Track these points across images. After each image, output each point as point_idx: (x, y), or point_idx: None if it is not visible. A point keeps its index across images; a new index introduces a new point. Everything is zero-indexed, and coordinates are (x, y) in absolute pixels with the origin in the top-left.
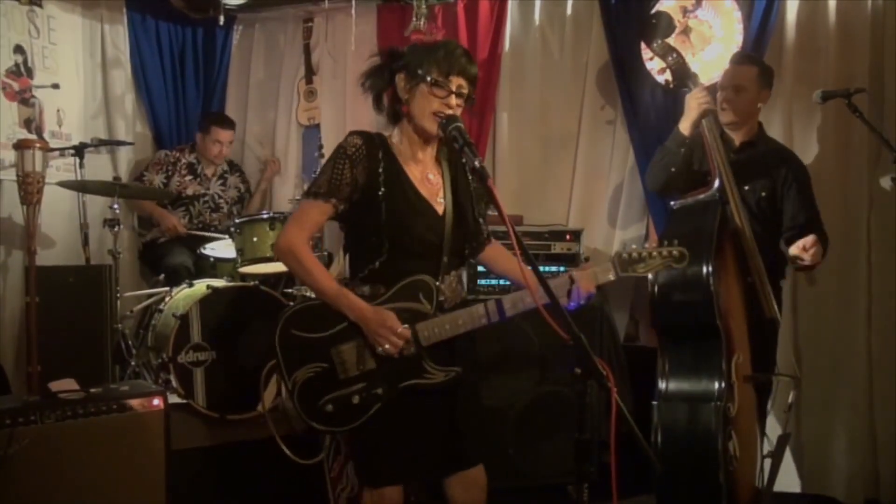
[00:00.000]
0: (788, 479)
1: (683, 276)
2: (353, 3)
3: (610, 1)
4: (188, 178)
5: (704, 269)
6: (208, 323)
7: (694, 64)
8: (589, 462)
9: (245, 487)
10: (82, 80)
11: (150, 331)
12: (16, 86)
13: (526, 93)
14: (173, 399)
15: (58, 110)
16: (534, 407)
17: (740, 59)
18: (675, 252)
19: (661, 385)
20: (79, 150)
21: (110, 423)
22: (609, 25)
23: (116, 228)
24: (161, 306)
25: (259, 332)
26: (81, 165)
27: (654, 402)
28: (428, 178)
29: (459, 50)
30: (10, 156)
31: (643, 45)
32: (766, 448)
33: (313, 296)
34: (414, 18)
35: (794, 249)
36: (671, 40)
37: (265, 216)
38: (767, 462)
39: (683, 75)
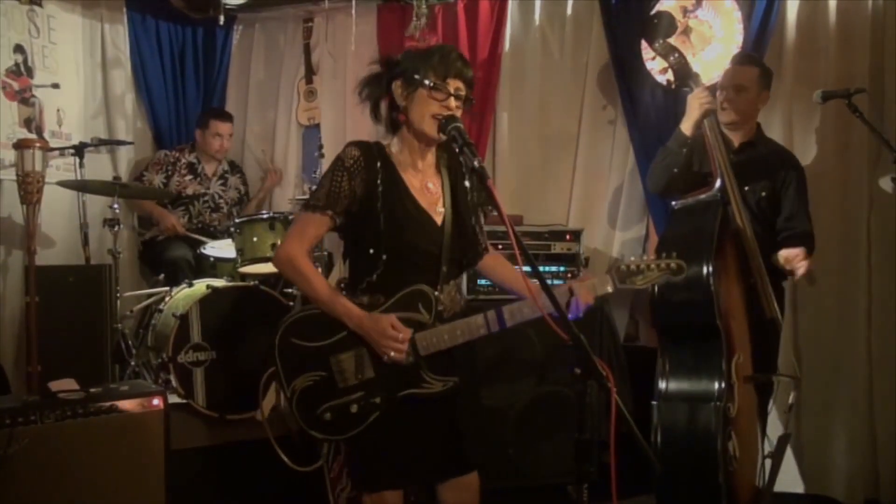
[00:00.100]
0: (790, 480)
1: (684, 275)
2: (353, 3)
3: (610, 1)
4: (188, 177)
5: (705, 270)
6: (208, 323)
7: (694, 64)
8: (589, 462)
9: (245, 487)
10: (82, 80)
11: (150, 330)
12: (16, 85)
13: (526, 93)
14: (173, 399)
15: (58, 110)
16: (534, 407)
17: (742, 59)
18: (672, 265)
19: (661, 385)
20: (79, 150)
21: (110, 423)
22: (609, 25)
23: (116, 228)
24: (161, 306)
25: (259, 332)
26: (81, 165)
27: (654, 402)
28: (427, 188)
29: (455, 53)
30: (10, 155)
31: (644, 45)
32: (767, 448)
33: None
34: (414, 18)
35: (780, 258)
36: (672, 40)
37: (265, 216)
38: (768, 462)
39: (685, 75)
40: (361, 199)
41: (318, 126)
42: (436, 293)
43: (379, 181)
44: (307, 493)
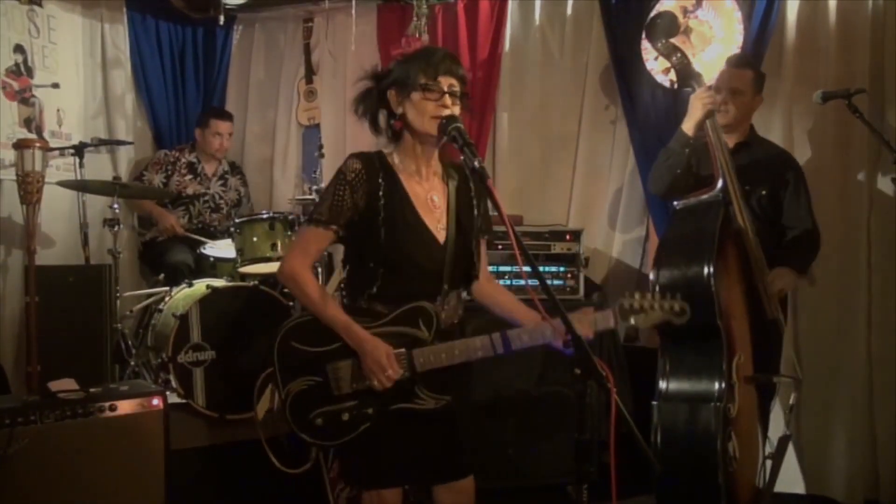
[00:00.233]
0: (789, 480)
1: (685, 276)
2: (353, 2)
3: (610, 1)
4: (188, 177)
5: (705, 270)
6: (208, 323)
7: (694, 64)
8: (589, 462)
9: (244, 487)
10: (82, 80)
11: (150, 330)
12: (16, 85)
13: (526, 93)
14: (173, 399)
15: (58, 110)
16: (534, 407)
17: (738, 62)
18: (676, 307)
19: (662, 385)
20: (79, 150)
21: (110, 423)
22: (609, 25)
23: (116, 228)
24: (161, 306)
25: (259, 332)
26: (81, 165)
27: (655, 402)
28: (432, 200)
29: (441, 52)
30: (9, 155)
31: (644, 46)
32: (768, 449)
33: None
34: (414, 18)
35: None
36: (673, 40)
37: (265, 216)
38: (769, 463)
39: (688, 75)
40: (363, 211)
41: (318, 126)
42: (437, 309)
43: (381, 193)
44: (307, 493)
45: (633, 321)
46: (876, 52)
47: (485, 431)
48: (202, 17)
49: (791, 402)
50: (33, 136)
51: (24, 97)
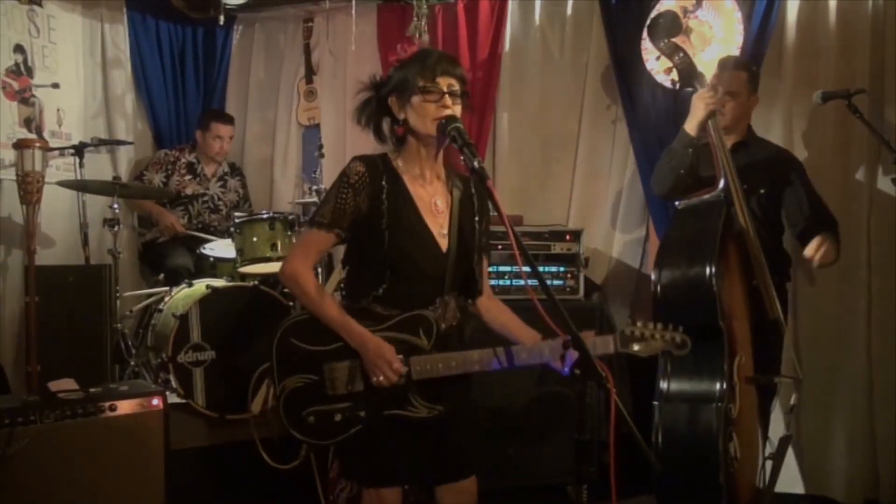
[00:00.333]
0: (790, 480)
1: (686, 276)
2: (354, 2)
3: (610, 1)
4: (187, 177)
5: (707, 270)
6: (208, 323)
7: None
8: (589, 462)
9: (244, 487)
10: (82, 80)
11: (150, 330)
12: (16, 85)
13: (526, 93)
14: (173, 399)
15: (58, 110)
16: (534, 407)
17: (735, 64)
18: (678, 339)
19: (663, 385)
20: (79, 150)
21: (110, 423)
22: (609, 25)
23: (116, 228)
24: (161, 306)
25: (259, 332)
26: (81, 165)
27: (656, 403)
28: (435, 205)
29: (437, 53)
30: (9, 155)
31: (644, 45)
32: (768, 450)
33: None
34: (414, 18)
35: (807, 251)
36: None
37: (265, 216)
38: (769, 463)
39: (690, 75)
40: (366, 214)
41: (318, 126)
42: (437, 318)
43: (384, 196)
44: (307, 493)
45: (634, 348)
46: (876, 52)
47: (485, 431)
48: (202, 17)
49: (791, 402)
50: (33, 136)
51: (24, 97)
